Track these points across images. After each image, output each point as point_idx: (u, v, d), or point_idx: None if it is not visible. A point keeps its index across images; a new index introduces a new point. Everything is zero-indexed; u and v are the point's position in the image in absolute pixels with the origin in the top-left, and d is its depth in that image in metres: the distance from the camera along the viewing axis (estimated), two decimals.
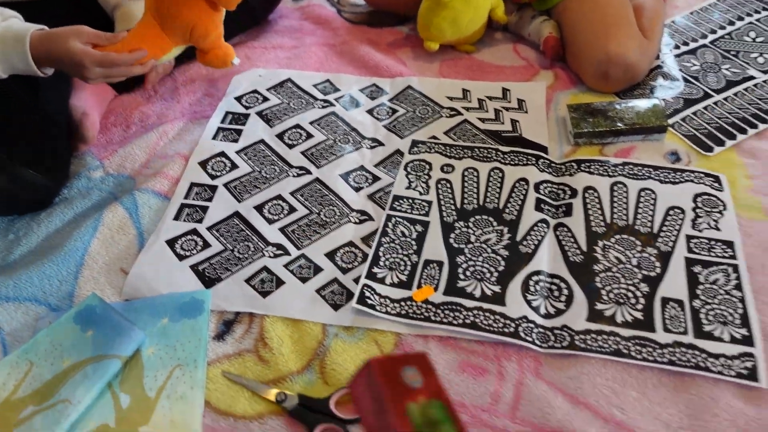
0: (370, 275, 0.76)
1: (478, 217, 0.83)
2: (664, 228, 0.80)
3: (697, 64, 1.06)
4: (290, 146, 0.95)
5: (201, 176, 0.91)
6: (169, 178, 0.90)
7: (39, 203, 0.88)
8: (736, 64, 1.06)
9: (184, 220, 0.85)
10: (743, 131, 0.94)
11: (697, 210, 0.82)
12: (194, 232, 0.83)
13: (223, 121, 1.00)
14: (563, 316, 0.72)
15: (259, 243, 0.82)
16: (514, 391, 0.66)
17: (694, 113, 0.97)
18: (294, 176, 0.91)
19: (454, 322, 0.71)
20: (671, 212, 0.82)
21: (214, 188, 0.89)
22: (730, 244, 0.78)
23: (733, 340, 0.69)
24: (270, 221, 0.84)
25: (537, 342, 0.70)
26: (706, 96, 1.00)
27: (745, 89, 1.01)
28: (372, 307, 0.73)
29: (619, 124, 0.92)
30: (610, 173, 0.87)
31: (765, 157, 0.90)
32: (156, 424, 0.64)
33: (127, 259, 0.80)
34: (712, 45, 1.10)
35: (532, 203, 0.84)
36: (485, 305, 0.73)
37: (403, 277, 0.76)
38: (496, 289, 0.75)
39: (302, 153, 0.94)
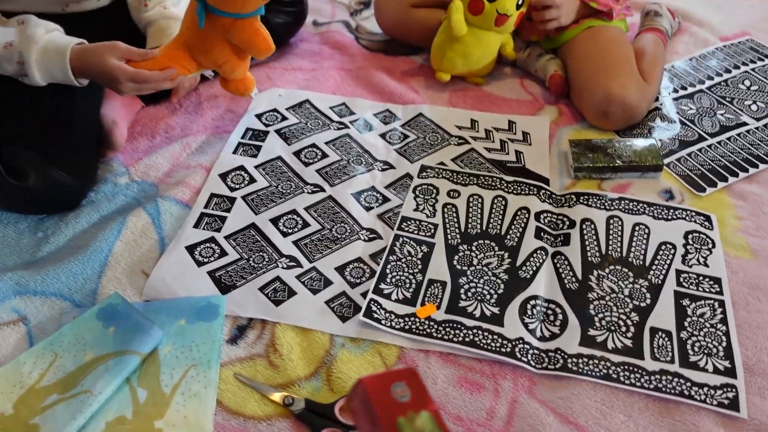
0: (377, 290, 0.81)
1: (480, 241, 0.88)
2: (656, 262, 0.85)
3: (694, 108, 1.12)
4: (306, 164, 1.01)
5: (221, 188, 0.96)
6: (191, 187, 0.95)
7: (67, 204, 0.92)
8: (731, 110, 1.12)
9: (204, 229, 0.90)
10: (734, 174, 0.99)
11: (688, 246, 0.87)
12: (212, 240, 0.88)
13: (243, 137, 1.05)
14: (557, 340, 0.76)
15: (273, 254, 0.86)
16: (508, 408, 0.71)
17: (689, 155, 1.03)
18: (309, 193, 0.96)
19: (455, 339, 0.76)
20: (663, 247, 0.87)
21: (232, 200, 0.94)
22: (717, 281, 0.82)
23: (717, 371, 0.73)
24: (284, 234, 0.89)
25: (532, 363, 0.74)
26: (701, 139, 1.06)
27: (738, 134, 1.07)
28: (378, 320, 0.77)
29: (617, 161, 0.98)
30: (607, 207, 0.92)
31: (754, 200, 0.95)
32: (170, 420, 0.68)
33: (148, 262, 0.85)
34: (709, 91, 1.17)
35: (533, 231, 0.89)
36: (484, 325, 0.77)
37: (408, 294, 0.81)
38: (496, 310, 0.79)
39: (317, 171, 0.99)
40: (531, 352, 0.75)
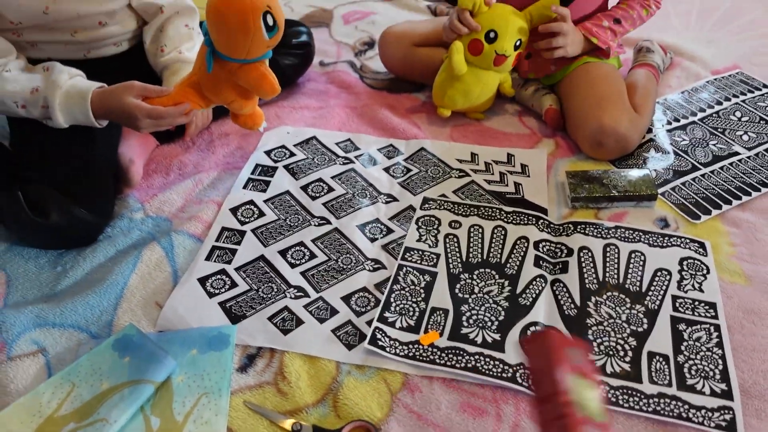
0: (382, 319, 0.84)
1: (481, 270, 0.91)
2: (652, 288, 0.87)
3: (687, 139, 1.16)
4: (313, 198, 1.05)
5: (231, 221, 1.00)
6: (203, 222, 1.00)
7: (85, 239, 0.97)
8: (723, 140, 1.16)
9: (215, 261, 0.93)
10: (728, 202, 1.02)
11: (683, 272, 0.89)
12: (223, 272, 0.92)
13: (253, 173, 1.10)
14: None
15: (281, 285, 0.90)
16: None
17: (683, 184, 1.06)
18: (315, 225, 1.00)
19: (457, 365, 0.78)
20: (659, 273, 0.89)
21: (242, 233, 0.98)
22: (712, 305, 0.85)
23: (714, 394, 0.75)
24: (292, 265, 0.93)
25: (533, 388, 0.76)
26: (694, 168, 1.09)
27: (730, 164, 1.10)
28: (382, 348, 0.80)
29: (613, 191, 1.02)
30: (604, 235, 0.95)
31: (747, 227, 0.98)
32: None
33: (162, 294, 0.89)
34: (701, 122, 1.21)
35: (532, 260, 0.92)
36: (486, 351, 0.80)
37: (412, 322, 0.84)
38: (497, 336, 0.82)
39: (323, 204, 1.03)
40: None
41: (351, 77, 1.38)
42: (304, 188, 1.07)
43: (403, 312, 0.85)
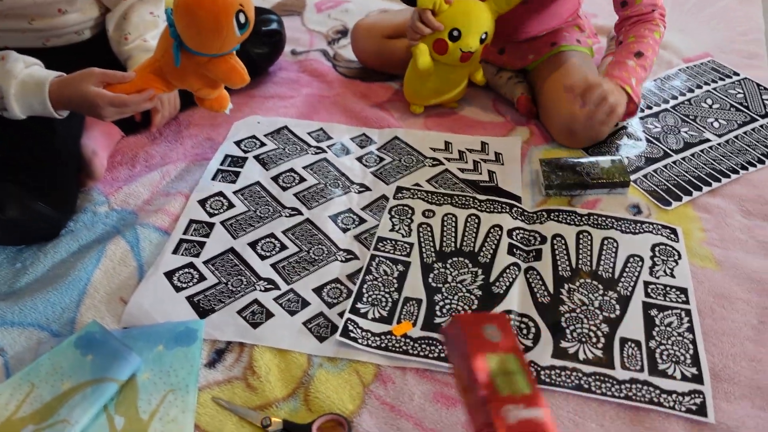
0: (354, 310, 0.82)
1: (455, 259, 0.90)
2: (624, 274, 0.87)
3: (659, 127, 1.17)
4: (284, 188, 1.03)
5: (200, 214, 0.98)
6: (170, 214, 0.97)
7: (47, 234, 0.93)
8: (694, 127, 1.16)
9: (182, 254, 0.91)
10: (698, 188, 1.03)
11: (655, 258, 0.90)
12: (191, 265, 0.89)
13: (222, 164, 1.08)
14: (531, 353, 0.78)
15: (251, 277, 0.88)
16: None
17: (655, 171, 1.06)
18: (286, 216, 0.97)
19: (430, 355, 0.77)
20: (631, 260, 0.89)
21: (211, 225, 0.96)
22: (683, 291, 0.85)
23: (684, 378, 0.75)
24: (262, 257, 0.91)
25: None
26: (666, 155, 1.10)
27: (701, 150, 1.11)
28: (354, 339, 0.79)
29: (586, 179, 1.01)
30: (577, 223, 0.95)
31: (718, 213, 0.99)
32: None
33: (127, 290, 0.86)
34: (673, 110, 1.21)
35: (505, 248, 0.91)
36: None
37: (384, 313, 0.82)
38: None
39: (295, 195, 1.01)
40: None
41: (324, 66, 1.36)
42: (275, 179, 1.05)
43: (376, 303, 0.84)
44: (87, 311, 0.83)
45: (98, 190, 1.02)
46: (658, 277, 0.87)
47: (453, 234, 0.94)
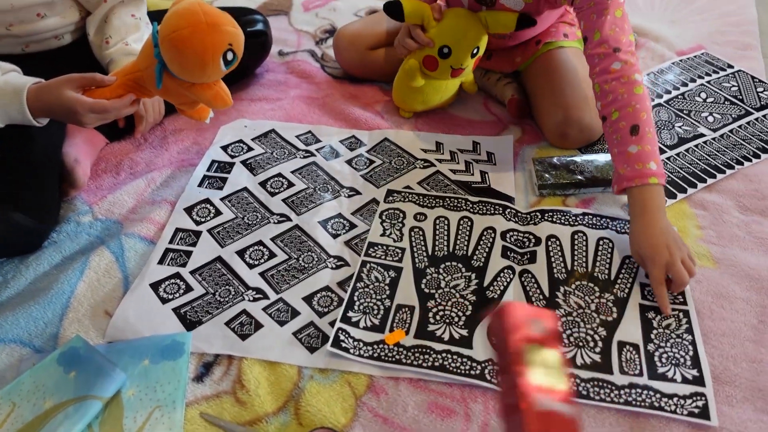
0: (345, 319, 0.80)
1: (448, 263, 0.88)
2: (621, 275, 0.86)
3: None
4: (272, 194, 1.00)
5: (186, 222, 0.95)
6: (155, 223, 0.94)
7: (28, 247, 0.91)
8: (688, 122, 1.15)
9: (168, 264, 0.88)
10: (694, 185, 1.01)
11: None
12: (177, 276, 0.87)
13: (209, 170, 1.05)
14: None
15: (239, 287, 0.86)
16: None
17: None
18: (275, 223, 0.95)
19: (424, 364, 0.75)
20: (627, 261, 0.88)
21: (198, 233, 0.93)
22: (681, 291, 0.83)
23: (685, 381, 0.73)
24: (251, 266, 0.88)
25: None
26: (660, 152, 1.07)
27: (696, 146, 1.09)
28: (346, 350, 0.77)
29: (579, 177, 0.99)
30: (571, 223, 0.93)
31: (714, 209, 0.97)
32: None
33: (111, 302, 0.83)
34: (667, 104, 1.20)
35: (499, 251, 0.89)
36: (453, 348, 0.77)
37: (377, 321, 0.80)
38: (464, 332, 0.79)
39: (283, 201, 0.99)
40: None
41: (311, 67, 1.33)
42: (263, 184, 1.02)
43: (368, 311, 0.82)
44: (70, 325, 0.81)
45: (82, 200, 1.00)
46: None
47: (445, 237, 0.92)
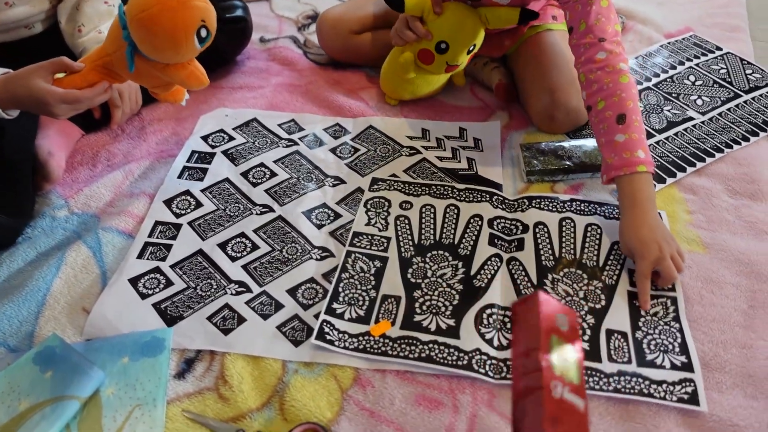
0: (330, 311, 0.79)
1: (434, 252, 0.86)
2: (609, 262, 0.84)
3: (641, 106, 1.13)
4: (254, 184, 0.98)
5: (166, 215, 0.93)
6: (134, 216, 0.92)
7: (1, 243, 0.88)
8: (677, 105, 1.13)
9: (148, 259, 0.86)
10: (683, 169, 1.00)
11: None
12: (157, 270, 0.85)
13: (189, 160, 1.02)
14: None
15: (221, 280, 0.83)
16: (468, 424, 0.69)
17: None
18: (257, 214, 0.93)
19: (411, 356, 0.74)
20: (615, 246, 0.86)
21: (178, 226, 0.91)
22: None
23: (674, 367, 0.72)
24: (233, 259, 0.86)
25: (490, 373, 0.72)
26: (649, 136, 1.06)
27: (685, 129, 1.08)
28: (331, 342, 0.75)
29: (567, 163, 0.98)
30: (559, 209, 0.92)
31: (704, 193, 0.96)
32: None
33: (89, 299, 0.81)
34: (655, 87, 1.18)
35: (486, 238, 0.88)
36: (440, 339, 0.75)
37: (362, 312, 0.79)
38: (451, 322, 0.77)
39: (266, 191, 0.97)
40: (489, 362, 0.73)
41: (294, 53, 1.30)
42: (245, 174, 1.00)
43: (353, 302, 0.80)
44: (47, 324, 0.78)
45: (57, 193, 0.97)
46: None
47: (432, 226, 0.90)
